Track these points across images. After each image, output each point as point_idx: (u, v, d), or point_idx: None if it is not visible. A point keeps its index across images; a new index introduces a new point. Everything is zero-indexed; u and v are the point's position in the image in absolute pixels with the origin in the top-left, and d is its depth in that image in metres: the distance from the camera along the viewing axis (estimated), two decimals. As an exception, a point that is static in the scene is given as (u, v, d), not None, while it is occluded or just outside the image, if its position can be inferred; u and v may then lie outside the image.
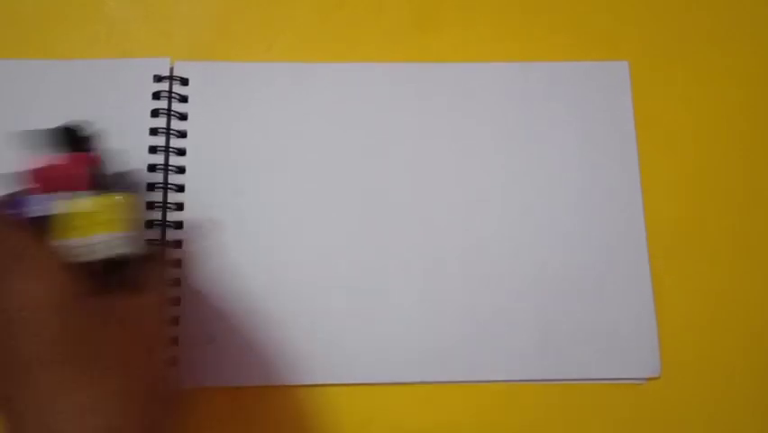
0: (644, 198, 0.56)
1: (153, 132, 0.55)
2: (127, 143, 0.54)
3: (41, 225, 0.40)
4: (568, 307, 0.54)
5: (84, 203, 0.41)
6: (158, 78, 0.56)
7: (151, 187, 0.54)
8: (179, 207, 0.54)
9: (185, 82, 0.56)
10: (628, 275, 0.54)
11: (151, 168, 0.54)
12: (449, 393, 0.53)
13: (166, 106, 0.55)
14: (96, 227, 0.41)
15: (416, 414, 0.52)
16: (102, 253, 0.41)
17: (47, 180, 0.41)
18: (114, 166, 0.45)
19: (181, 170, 0.55)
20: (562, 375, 0.53)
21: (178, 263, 0.53)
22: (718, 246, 0.55)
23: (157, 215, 0.54)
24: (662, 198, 0.56)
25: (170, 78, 0.56)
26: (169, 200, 0.54)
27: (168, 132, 0.55)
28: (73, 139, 0.43)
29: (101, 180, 0.42)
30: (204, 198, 0.54)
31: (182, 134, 0.55)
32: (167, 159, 0.55)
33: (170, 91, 0.56)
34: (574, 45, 0.59)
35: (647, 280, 0.54)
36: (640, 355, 0.53)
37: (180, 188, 0.54)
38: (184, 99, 0.56)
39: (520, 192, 0.55)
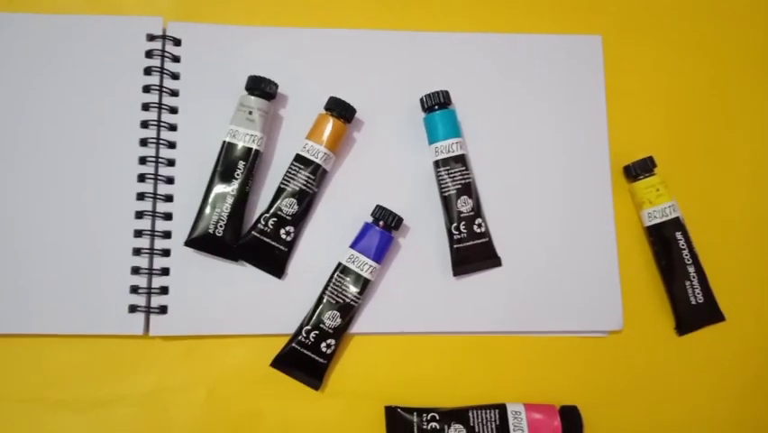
0: (611, 165, 0.59)
1: (146, 89, 0.56)
2: (119, 100, 0.56)
3: None
4: (537, 264, 0.57)
5: None
6: (150, 37, 0.57)
7: (144, 143, 0.56)
8: (171, 162, 0.56)
9: (177, 43, 0.57)
10: (595, 234, 0.58)
11: (144, 124, 0.56)
12: (425, 344, 0.56)
13: (158, 65, 0.57)
14: None
15: (394, 363, 0.55)
16: None
17: None
18: None
19: (173, 127, 0.56)
20: (531, 328, 0.56)
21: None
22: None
23: (149, 170, 0.55)
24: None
25: (163, 37, 0.57)
26: (161, 155, 0.56)
27: (160, 89, 0.56)
28: None
29: None
30: (194, 154, 0.56)
31: (174, 93, 0.57)
32: (159, 115, 0.56)
33: (163, 50, 0.57)
34: (549, 18, 0.62)
35: (612, 240, 0.58)
36: (604, 310, 0.57)
37: (172, 145, 0.56)
38: (176, 59, 0.57)
39: (493, 157, 0.58)
